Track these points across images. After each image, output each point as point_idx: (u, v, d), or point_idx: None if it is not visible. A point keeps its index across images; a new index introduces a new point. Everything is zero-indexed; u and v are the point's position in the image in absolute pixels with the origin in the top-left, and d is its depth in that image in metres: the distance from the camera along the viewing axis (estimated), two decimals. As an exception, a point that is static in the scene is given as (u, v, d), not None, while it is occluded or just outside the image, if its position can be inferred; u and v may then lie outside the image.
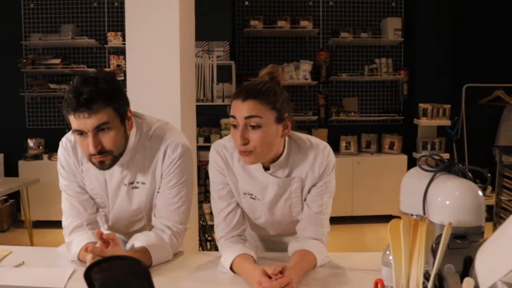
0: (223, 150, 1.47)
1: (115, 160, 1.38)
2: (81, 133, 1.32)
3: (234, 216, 1.48)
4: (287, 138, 1.44)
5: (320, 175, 1.44)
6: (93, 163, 1.38)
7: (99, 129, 1.31)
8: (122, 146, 1.39)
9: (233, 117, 1.34)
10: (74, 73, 4.75)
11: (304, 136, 1.49)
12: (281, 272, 1.20)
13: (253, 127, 1.31)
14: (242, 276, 1.30)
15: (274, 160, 1.42)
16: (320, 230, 1.45)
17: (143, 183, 1.50)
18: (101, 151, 1.33)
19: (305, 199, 1.47)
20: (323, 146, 1.46)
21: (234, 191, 1.49)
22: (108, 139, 1.33)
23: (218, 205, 1.49)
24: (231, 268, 1.34)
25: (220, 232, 1.48)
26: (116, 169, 1.46)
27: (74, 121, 1.30)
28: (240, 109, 1.32)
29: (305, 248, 1.38)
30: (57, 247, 1.55)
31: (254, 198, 1.47)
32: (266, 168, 1.44)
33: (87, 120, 1.28)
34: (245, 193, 1.48)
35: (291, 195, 1.46)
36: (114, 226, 1.59)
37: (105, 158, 1.35)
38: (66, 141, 1.50)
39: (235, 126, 1.34)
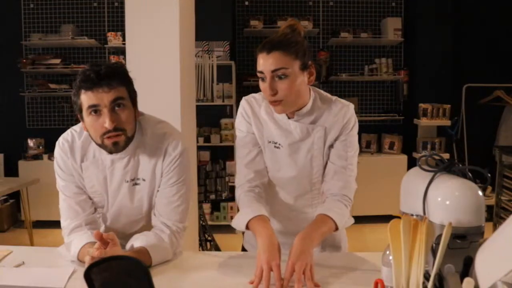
0: (252, 100, 1.56)
1: (128, 141, 1.40)
2: (96, 110, 1.33)
3: (257, 164, 1.53)
4: (312, 92, 1.51)
5: (343, 127, 1.49)
6: (105, 147, 1.38)
7: (115, 103, 1.34)
8: (133, 128, 1.42)
9: (260, 72, 1.40)
10: (74, 73, 4.76)
11: (329, 94, 1.56)
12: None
13: (280, 77, 1.38)
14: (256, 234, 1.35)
15: (299, 109, 1.48)
16: (347, 186, 1.48)
17: (143, 180, 1.50)
18: (117, 127, 1.35)
19: (328, 157, 1.51)
20: (348, 103, 1.52)
21: (259, 139, 1.54)
22: (123, 116, 1.36)
23: (241, 152, 1.56)
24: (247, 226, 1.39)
25: (241, 178, 1.53)
26: (117, 166, 1.47)
27: (91, 96, 1.32)
28: (266, 63, 1.38)
29: (325, 212, 1.41)
30: (57, 247, 1.54)
31: (277, 147, 1.52)
32: (290, 118, 1.50)
33: (105, 94, 1.32)
34: (270, 142, 1.53)
35: (313, 146, 1.50)
36: (112, 227, 1.58)
37: (119, 138, 1.37)
38: (64, 141, 1.49)
39: (263, 79, 1.41)
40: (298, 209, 1.59)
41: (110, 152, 1.42)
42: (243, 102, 1.57)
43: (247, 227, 1.40)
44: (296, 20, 1.51)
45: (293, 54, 1.39)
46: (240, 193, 1.51)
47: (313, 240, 1.32)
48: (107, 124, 1.33)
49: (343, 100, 1.53)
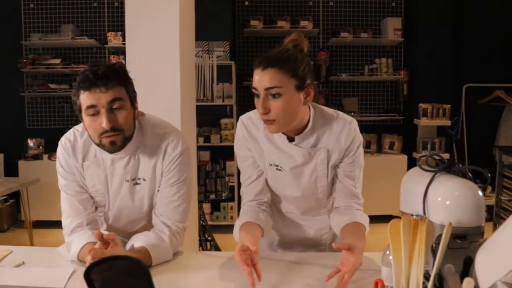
0: (249, 122, 1.50)
1: (125, 141, 1.40)
2: (93, 110, 1.34)
3: (256, 186, 1.52)
4: (312, 110, 1.45)
5: (347, 148, 1.44)
6: (103, 146, 1.39)
7: (113, 104, 1.34)
8: (132, 128, 1.42)
9: (255, 88, 1.35)
10: (74, 73, 4.76)
11: (331, 109, 1.49)
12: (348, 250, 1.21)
13: (274, 96, 1.32)
14: None
15: (299, 132, 1.43)
16: (358, 202, 1.49)
17: (144, 180, 1.51)
18: (114, 127, 1.35)
19: (334, 175, 1.49)
20: (350, 119, 1.46)
21: (260, 162, 1.51)
22: (121, 116, 1.37)
23: (243, 175, 1.55)
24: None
25: (243, 199, 1.55)
26: (118, 165, 1.47)
27: (89, 97, 1.33)
28: (260, 80, 1.33)
29: (356, 220, 1.42)
30: (57, 247, 1.55)
31: (279, 170, 1.48)
32: (291, 140, 1.45)
33: (102, 94, 1.32)
34: (271, 164, 1.49)
35: (317, 167, 1.47)
36: (113, 226, 1.59)
37: (117, 138, 1.37)
38: (66, 141, 1.50)
39: (257, 96, 1.35)
40: (306, 218, 1.61)
41: (109, 152, 1.42)
42: (239, 125, 1.51)
43: None
44: (301, 35, 1.43)
45: (290, 72, 1.32)
46: (241, 210, 1.55)
47: (361, 253, 1.27)
48: (104, 124, 1.33)
49: (345, 116, 1.47)
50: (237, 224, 1.45)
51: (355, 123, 1.46)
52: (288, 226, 1.64)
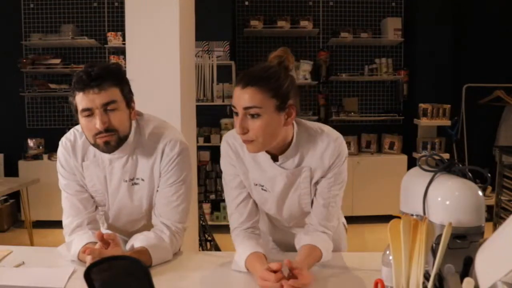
0: (233, 141, 1.45)
1: (120, 141, 1.40)
2: (88, 112, 1.34)
3: (246, 206, 1.47)
4: (296, 127, 1.40)
5: (330, 166, 1.40)
6: (98, 146, 1.39)
7: (107, 106, 1.34)
8: (127, 129, 1.42)
9: (233, 106, 1.30)
10: (74, 73, 4.75)
11: (316, 125, 1.44)
12: (291, 270, 1.20)
13: (253, 116, 1.27)
14: (255, 275, 1.29)
15: (283, 151, 1.39)
16: (327, 225, 1.43)
17: (142, 180, 1.51)
18: (108, 128, 1.36)
19: (315, 192, 1.45)
20: (336, 136, 1.41)
21: (245, 182, 1.47)
22: (115, 118, 1.37)
23: (230, 195, 1.49)
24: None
25: (233, 222, 1.48)
26: (116, 165, 1.48)
27: (84, 98, 1.33)
28: (239, 98, 1.27)
29: (313, 243, 1.37)
30: (57, 247, 1.55)
31: (265, 190, 1.45)
32: (275, 159, 1.41)
33: (96, 96, 1.32)
34: (256, 184, 1.46)
35: (300, 186, 1.43)
36: (113, 225, 1.59)
37: (111, 138, 1.37)
38: (66, 141, 1.51)
39: (236, 114, 1.30)
40: (297, 228, 1.58)
41: (103, 152, 1.43)
42: (223, 144, 1.48)
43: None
44: (287, 51, 1.36)
45: (270, 92, 1.26)
46: (234, 236, 1.47)
47: (307, 273, 1.25)
48: (98, 125, 1.34)
49: (330, 132, 1.42)
50: (241, 258, 1.35)
51: (340, 140, 1.41)
52: (281, 235, 1.64)
